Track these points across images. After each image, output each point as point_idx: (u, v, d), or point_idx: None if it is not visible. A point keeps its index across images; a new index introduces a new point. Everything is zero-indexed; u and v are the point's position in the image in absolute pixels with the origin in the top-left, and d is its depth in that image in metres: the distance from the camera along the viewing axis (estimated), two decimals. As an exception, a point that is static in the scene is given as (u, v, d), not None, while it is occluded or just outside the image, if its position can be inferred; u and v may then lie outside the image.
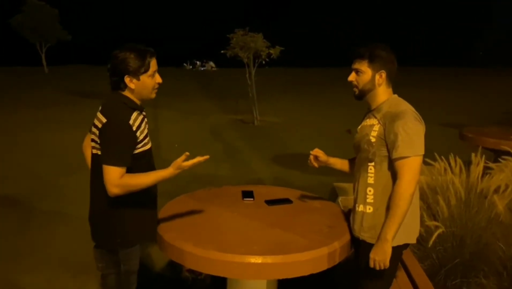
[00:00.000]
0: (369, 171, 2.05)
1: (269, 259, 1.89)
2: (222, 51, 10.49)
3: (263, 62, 10.45)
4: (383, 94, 2.08)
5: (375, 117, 2.06)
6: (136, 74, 2.00)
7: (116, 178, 1.90)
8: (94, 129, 2.00)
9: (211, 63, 33.91)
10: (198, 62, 36.20)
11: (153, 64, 2.04)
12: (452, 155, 3.16)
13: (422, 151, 1.91)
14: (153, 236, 2.20)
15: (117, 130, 1.93)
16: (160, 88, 2.17)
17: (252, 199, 2.61)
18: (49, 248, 3.98)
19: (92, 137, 2.02)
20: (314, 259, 1.96)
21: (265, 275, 1.95)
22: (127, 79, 2.00)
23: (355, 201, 2.15)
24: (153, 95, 2.12)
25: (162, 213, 2.36)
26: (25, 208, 5.03)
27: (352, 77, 2.11)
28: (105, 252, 2.15)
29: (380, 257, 1.91)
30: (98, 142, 1.98)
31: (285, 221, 2.30)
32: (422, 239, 2.61)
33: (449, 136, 8.24)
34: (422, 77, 22.65)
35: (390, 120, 1.96)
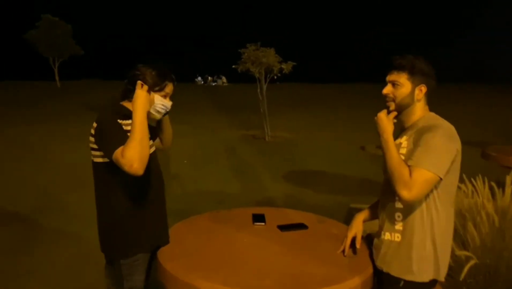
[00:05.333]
0: None
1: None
2: (233, 66, 10.40)
3: (275, 77, 10.31)
4: (420, 110, 1.88)
5: (407, 135, 1.86)
6: (148, 89, 2.00)
7: (122, 156, 1.81)
8: (90, 138, 1.96)
9: (223, 78, 33.99)
10: (210, 77, 36.32)
11: (169, 88, 2.09)
12: (480, 176, 2.93)
13: (436, 169, 1.67)
14: (155, 246, 2.10)
15: (108, 126, 1.92)
16: (172, 102, 2.14)
17: (263, 223, 2.40)
18: (51, 268, 3.79)
19: (90, 146, 1.98)
20: (334, 296, 1.73)
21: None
22: (139, 84, 1.98)
23: (381, 228, 1.94)
24: (158, 116, 2.12)
25: (165, 238, 2.16)
26: (28, 225, 4.86)
27: (388, 90, 1.89)
28: (111, 268, 2.10)
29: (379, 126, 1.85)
30: (95, 147, 1.95)
31: (299, 249, 2.08)
32: (450, 270, 2.37)
33: (470, 155, 7.97)
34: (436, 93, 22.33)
35: (420, 134, 1.78)
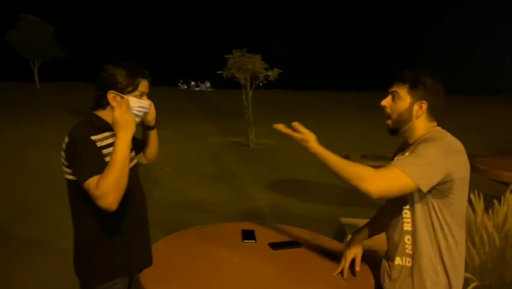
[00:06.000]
0: (405, 216, 1.71)
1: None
2: (218, 72, 10.25)
3: (261, 84, 10.19)
4: (422, 128, 1.73)
5: (408, 150, 1.71)
6: (120, 91, 1.82)
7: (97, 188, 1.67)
8: (62, 152, 1.80)
9: (207, 83, 33.76)
10: (193, 82, 36.05)
11: (143, 85, 1.88)
12: (475, 191, 2.84)
13: (416, 177, 1.53)
14: (133, 269, 1.93)
15: (79, 146, 1.75)
16: (149, 101, 1.95)
17: (253, 241, 2.25)
18: (26, 280, 3.58)
19: (62, 161, 1.82)
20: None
21: None
22: (110, 95, 1.82)
23: (391, 252, 1.79)
24: (137, 120, 1.89)
25: (148, 257, 1.99)
26: (2, 234, 4.62)
27: (386, 101, 1.76)
28: None
29: (300, 137, 1.72)
30: (66, 164, 1.79)
31: (293, 270, 1.95)
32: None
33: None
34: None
35: (417, 145, 1.64)
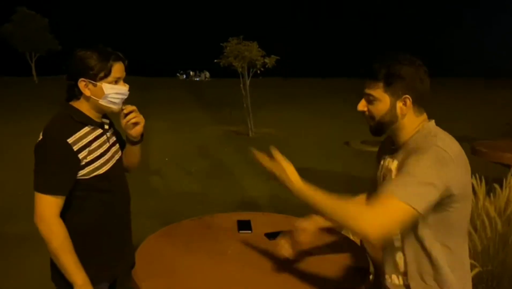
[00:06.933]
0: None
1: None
2: (215, 60, 10.15)
3: (258, 71, 10.10)
4: (411, 125, 1.48)
5: (397, 159, 1.48)
6: (93, 78, 1.66)
7: (44, 210, 1.60)
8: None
9: (206, 73, 33.59)
10: (192, 72, 35.88)
11: (117, 69, 1.70)
12: (477, 175, 2.78)
13: (414, 202, 1.27)
14: (114, 275, 1.87)
15: (49, 150, 1.61)
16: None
17: (249, 231, 2.20)
18: (18, 277, 3.55)
19: None
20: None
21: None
22: (81, 84, 1.67)
23: (386, 271, 1.60)
24: (115, 108, 1.74)
25: (140, 251, 1.94)
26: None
27: (361, 106, 1.51)
28: None
29: (278, 171, 1.43)
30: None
31: (291, 261, 1.89)
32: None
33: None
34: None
35: (406, 157, 1.40)
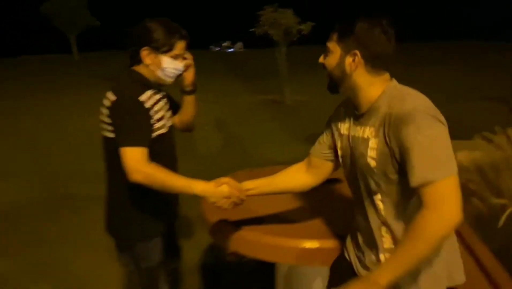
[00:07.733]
0: (378, 206, 1.42)
1: (327, 244, 1.74)
2: (251, 30, 10.24)
3: (294, 39, 10.14)
4: (369, 86, 1.41)
5: (369, 125, 1.41)
6: (155, 50, 1.80)
7: (138, 161, 1.66)
8: (102, 109, 1.80)
9: (239, 44, 33.54)
10: (225, 44, 35.89)
11: (179, 47, 1.84)
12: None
13: (454, 167, 1.24)
14: (165, 229, 2.02)
15: (129, 107, 1.74)
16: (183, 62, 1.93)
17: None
18: (90, 233, 3.95)
19: (100, 118, 1.82)
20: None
21: (321, 260, 1.80)
22: (144, 52, 1.80)
23: (363, 248, 1.52)
24: (169, 81, 1.89)
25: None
26: (52, 191, 5.07)
27: (321, 58, 1.51)
28: (125, 255, 1.98)
29: None
30: (108, 122, 1.78)
31: (339, 202, 2.13)
32: (486, 219, 2.39)
33: (499, 109, 7.79)
34: (435, 53, 21.64)
35: (394, 127, 1.30)
